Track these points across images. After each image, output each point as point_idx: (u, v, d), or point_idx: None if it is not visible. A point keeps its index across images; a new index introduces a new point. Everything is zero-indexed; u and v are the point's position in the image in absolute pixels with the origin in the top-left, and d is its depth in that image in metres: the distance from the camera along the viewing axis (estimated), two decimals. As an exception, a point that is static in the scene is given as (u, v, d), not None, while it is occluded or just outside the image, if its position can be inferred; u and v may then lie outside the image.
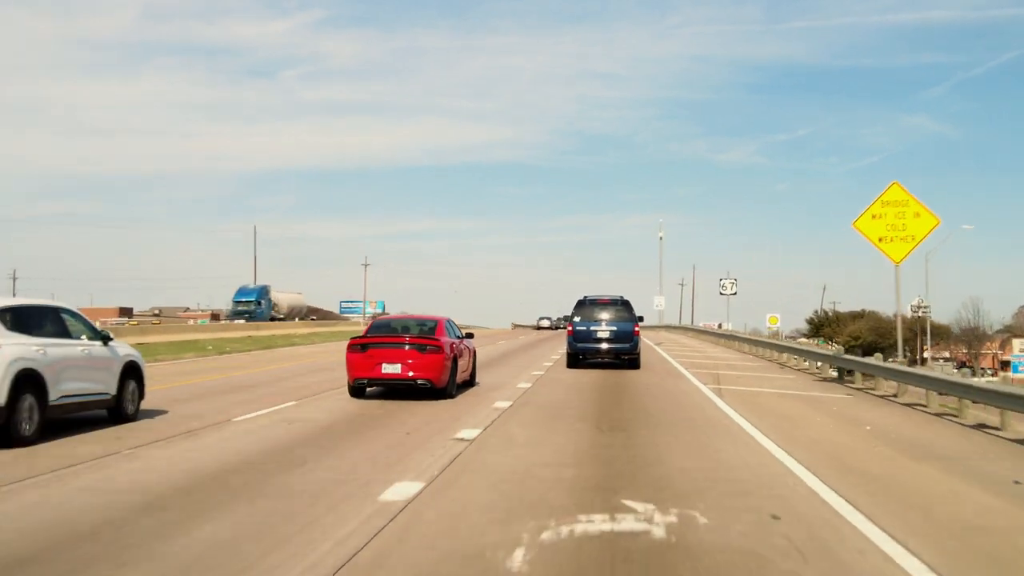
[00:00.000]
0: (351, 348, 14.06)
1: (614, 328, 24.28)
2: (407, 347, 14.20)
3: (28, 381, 9.43)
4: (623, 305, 24.67)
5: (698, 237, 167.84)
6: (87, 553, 4.95)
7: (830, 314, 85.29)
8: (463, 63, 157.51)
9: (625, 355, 23.82)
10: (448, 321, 15.16)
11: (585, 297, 24.83)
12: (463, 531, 5.50)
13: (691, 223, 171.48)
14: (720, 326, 75.68)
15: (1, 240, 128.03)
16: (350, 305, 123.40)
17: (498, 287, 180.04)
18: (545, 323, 76.54)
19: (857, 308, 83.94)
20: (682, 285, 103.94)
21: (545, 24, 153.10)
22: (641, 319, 24.40)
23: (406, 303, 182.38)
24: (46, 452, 8.84)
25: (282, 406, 12.85)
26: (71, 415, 10.40)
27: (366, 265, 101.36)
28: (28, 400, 9.36)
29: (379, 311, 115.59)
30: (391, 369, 13.95)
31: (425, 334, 14.50)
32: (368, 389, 14.30)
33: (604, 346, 23.88)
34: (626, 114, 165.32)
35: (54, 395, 9.88)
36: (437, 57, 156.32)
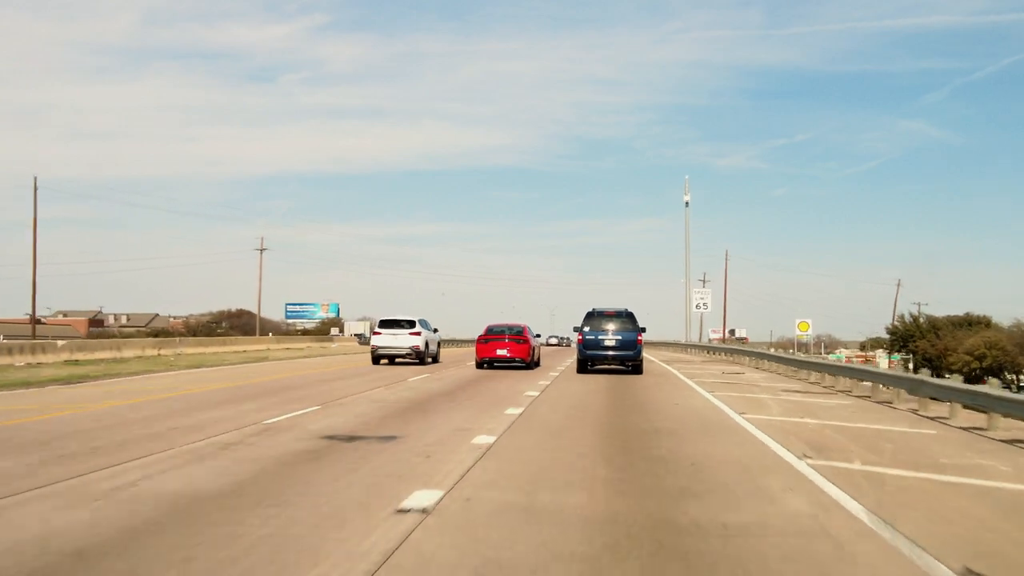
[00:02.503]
0: (480, 341, 28.89)
1: (619, 337, 28.64)
2: (507, 340, 28.42)
3: (426, 343, 27.78)
4: (627, 317, 29.40)
5: (699, 242, 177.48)
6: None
7: (920, 321, 71.26)
8: (462, 68, 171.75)
9: (629, 361, 28.86)
10: (528, 327, 29.93)
11: (593, 309, 29.70)
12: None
13: (691, 227, 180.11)
14: (733, 333, 78.66)
15: (2, 243, 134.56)
16: (298, 309, 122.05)
17: (496, 291, 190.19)
18: (553, 340, 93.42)
19: (949, 312, 69.92)
20: (703, 280, 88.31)
21: (544, 29, 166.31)
22: (643, 330, 29.52)
23: (396, 307, 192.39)
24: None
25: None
26: (427, 358, 31.81)
27: (262, 250, 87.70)
28: (425, 351, 31.96)
29: (333, 315, 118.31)
30: (501, 352, 28.29)
31: (517, 333, 29.05)
32: (476, 366, 29.45)
33: (610, 353, 28.53)
34: (625, 119, 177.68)
35: (429, 350, 28.63)
36: (437, 62, 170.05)
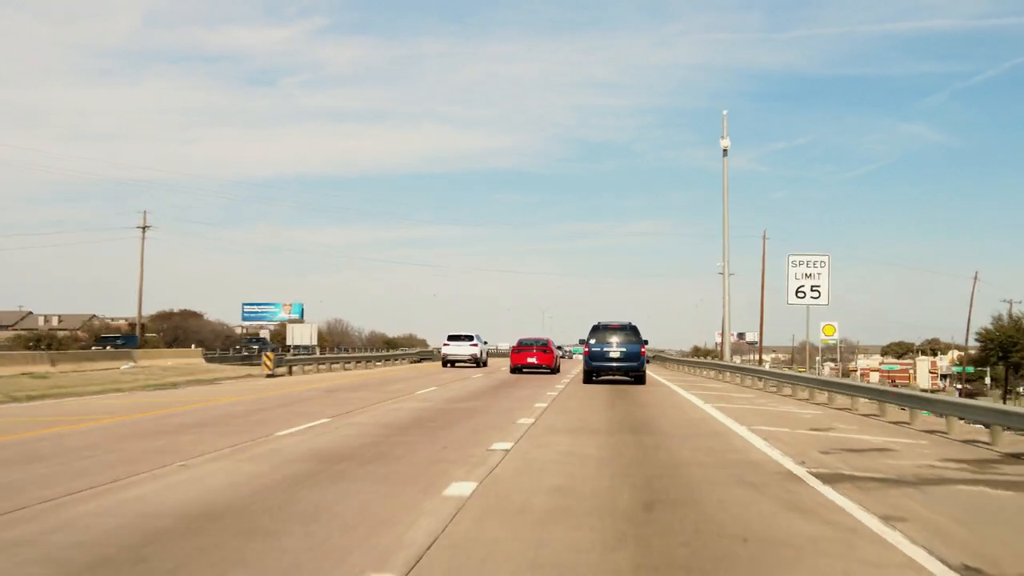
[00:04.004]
0: (514, 351, 41.37)
1: (624, 349, 31.81)
2: (535, 350, 40.89)
3: (480, 352, 50.95)
4: (631, 330, 32.66)
5: (699, 243, 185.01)
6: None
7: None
8: (463, 70, 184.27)
9: (632, 372, 32.38)
10: (552, 340, 42.85)
11: (599, 323, 33.33)
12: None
13: (690, 230, 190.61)
14: (743, 337, 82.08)
15: (3, 245, 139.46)
16: (257, 310, 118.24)
17: (495, 294, 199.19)
18: (557, 352, 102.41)
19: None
20: (726, 274, 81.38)
21: (544, 31, 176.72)
22: (646, 342, 32.95)
23: (388, 308, 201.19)
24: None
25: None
26: (481, 363, 52.81)
27: (144, 228, 78.47)
28: (480, 357, 52.96)
29: (296, 316, 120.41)
30: (531, 360, 41.00)
31: (543, 345, 41.80)
32: (511, 371, 41.22)
33: (615, 365, 32.07)
34: (625, 122, 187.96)
35: (483, 357, 52.88)
36: (437, 64, 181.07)
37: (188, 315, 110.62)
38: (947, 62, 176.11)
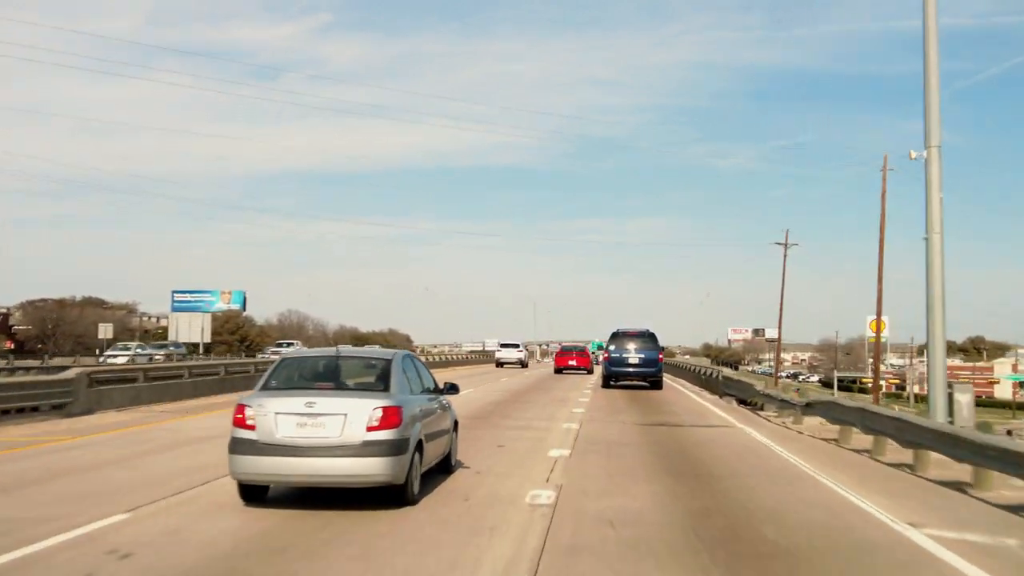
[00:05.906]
0: (557, 355, 57.48)
1: (642, 356, 34.68)
2: (574, 355, 56.94)
3: (525, 356, 64.15)
4: (649, 337, 35.61)
5: (698, 242, 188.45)
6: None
7: None
8: (464, 68, 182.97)
9: (650, 378, 35.45)
10: (587, 346, 58.66)
11: (618, 330, 36.60)
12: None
13: (690, 229, 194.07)
14: (761, 334, 71.94)
15: (4, 240, 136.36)
16: (189, 298, 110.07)
17: (495, 292, 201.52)
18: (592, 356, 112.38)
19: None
20: (784, 245, 67.33)
21: (545, 31, 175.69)
22: (663, 349, 36.67)
23: (385, 304, 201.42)
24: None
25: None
26: (526, 364, 77.23)
27: None
28: (525, 360, 77.71)
29: (237, 306, 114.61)
30: (571, 363, 56.96)
31: (580, 351, 58.66)
32: (555, 371, 57.51)
33: (633, 370, 35.06)
34: (626, 119, 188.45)
35: (525, 360, 77.07)
36: (438, 62, 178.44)
37: (74, 305, 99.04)
38: (948, 61, 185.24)
